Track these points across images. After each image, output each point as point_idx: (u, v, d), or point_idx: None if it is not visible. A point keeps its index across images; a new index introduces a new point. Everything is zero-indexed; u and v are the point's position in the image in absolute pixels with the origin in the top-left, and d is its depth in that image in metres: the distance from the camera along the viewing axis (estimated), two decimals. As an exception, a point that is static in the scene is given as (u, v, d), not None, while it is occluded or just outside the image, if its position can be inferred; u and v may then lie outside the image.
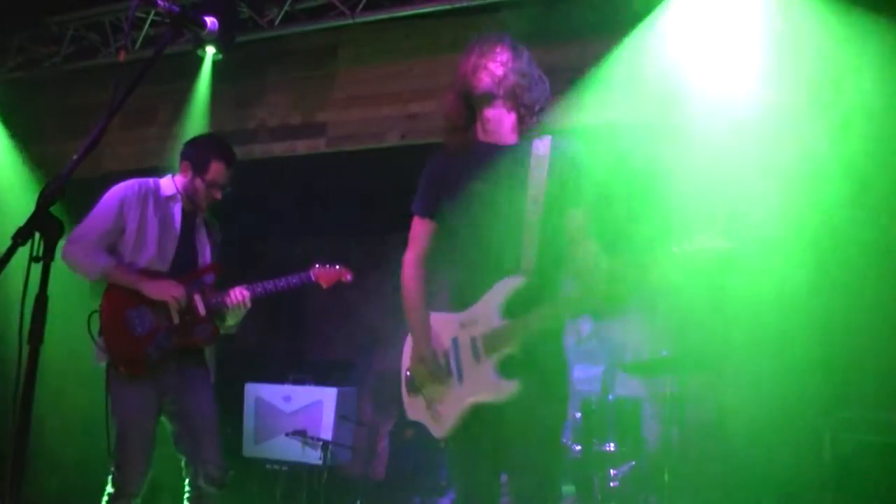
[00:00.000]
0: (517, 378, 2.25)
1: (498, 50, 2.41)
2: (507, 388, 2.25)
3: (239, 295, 3.32)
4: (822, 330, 4.38)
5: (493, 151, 2.43)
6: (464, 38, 4.63)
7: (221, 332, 3.41)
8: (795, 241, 3.89)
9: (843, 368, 4.83)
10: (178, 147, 3.49)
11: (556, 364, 2.41)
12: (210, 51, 4.96)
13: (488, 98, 2.40)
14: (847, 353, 4.70)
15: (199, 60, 5.09)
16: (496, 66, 2.38)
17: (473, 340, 2.34)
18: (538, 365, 2.30)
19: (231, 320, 3.40)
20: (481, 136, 2.47)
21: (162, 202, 3.32)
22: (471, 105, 2.45)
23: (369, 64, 5.03)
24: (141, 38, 5.29)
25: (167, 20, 2.18)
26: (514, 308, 2.29)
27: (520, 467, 2.34)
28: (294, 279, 3.52)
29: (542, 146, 2.40)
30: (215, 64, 5.11)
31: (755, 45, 4.03)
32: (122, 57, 5.26)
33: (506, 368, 2.28)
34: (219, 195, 3.39)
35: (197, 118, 5.17)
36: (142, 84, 2.14)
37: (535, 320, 2.24)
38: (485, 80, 2.38)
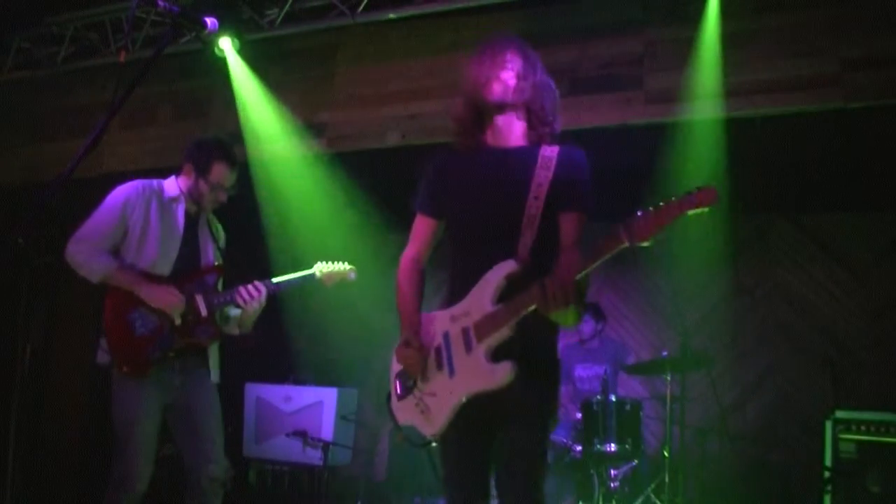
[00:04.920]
0: (510, 360, 2.22)
1: (509, 58, 2.41)
2: (501, 372, 2.22)
3: (254, 291, 3.32)
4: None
5: (500, 153, 2.44)
6: (464, 39, 4.70)
7: (241, 331, 3.43)
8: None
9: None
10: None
11: (546, 347, 2.40)
12: (226, 44, 4.92)
13: (499, 107, 2.41)
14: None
15: (222, 60, 5.02)
16: (508, 76, 2.39)
17: (465, 331, 2.31)
18: (530, 348, 2.28)
19: (248, 320, 3.41)
20: (490, 141, 2.48)
21: (165, 203, 3.32)
22: (478, 109, 2.45)
23: (369, 64, 5.03)
24: (141, 38, 5.29)
25: (167, 20, 2.18)
26: (508, 294, 2.26)
27: (513, 470, 2.32)
28: (298, 277, 3.53)
29: (549, 149, 2.41)
30: (222, 60, 5.05)
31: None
32: (122, 57, 5.26)
33: (497, 353, 2.26)
34: (224, 197, 3.39)
35: (264, 112, 5.10)
36: (142, 84, 2.14)
37: (525, 299, 2.19)
38: (497, 91, 2.38)
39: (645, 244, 2.01)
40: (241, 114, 5.08)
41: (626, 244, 2.03)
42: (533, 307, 2.16)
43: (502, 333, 2.24)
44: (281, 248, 5.64)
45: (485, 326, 2.27)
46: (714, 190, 1.95)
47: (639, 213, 2.02)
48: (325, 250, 3.84)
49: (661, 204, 2.00)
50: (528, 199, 2.33)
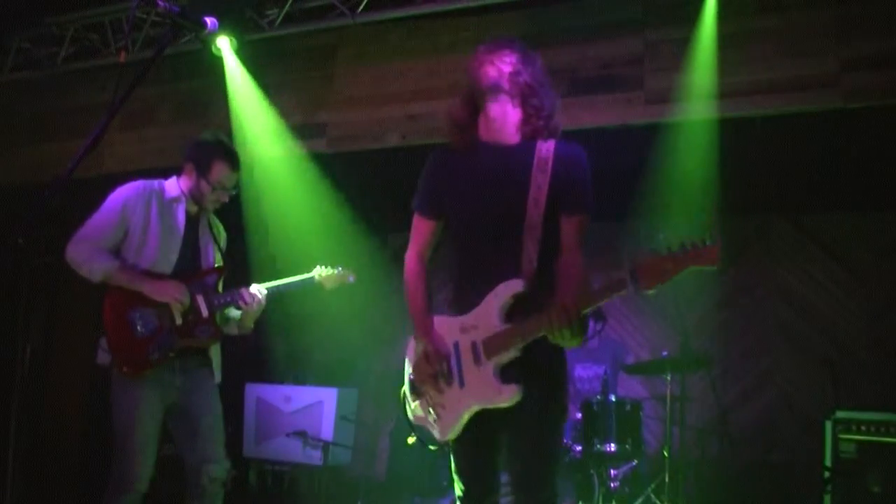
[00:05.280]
0: (518, 383, 2.25)
1: (507, 52, 2.41)
2: (509, 393, 2.25)
3: (255, 293, 3.34)
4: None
5: (495, 151, 2.42)
6: (463, 39, 4.69)
7: (241, 332, 3.45)
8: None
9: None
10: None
11: (556, 368, 2.41)
12: (224, 44, 4.91)
13: (493, 91, 2.38)
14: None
15: (222, 60, 5.01)
16: (504, 64, 2.39)
17: (474, 345, 2.33)
18: (539, 369, 2.30)
19: (248, 321, 3.43)
20: (484, 135, 2.45)
21: (166, 204, 3.32)
22: (475, 106, 2.44)
23: (369, 64, 5.02)
24: (141, 39, 5.29)
25: (167, 20, 2.18)
26: (515, 312, 2.29)
27: (520, 468, 2.35)
28: (297, 281, 3.54)
29: (545, 148, 2.39)
30: (222, 60, 5.04)
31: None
32: (122, 57, 5.26)
33: (507, 373, 2.28)
34: (226, 198, 3.39)
35: (256, 113, 5.06)
36: (142, 84, 2.14)
37: (534, 326, 2.22)
38: (491, 74, 2.37)
39: (649, 292, 2.10)
40: (238, 114, 5.08)
41: (631, 290, 2.09)
42: (540, 334, 2.21)
43: (510, 354, 2.27)
44: (280, 250, 5.64)
45: (493, 345, 2.29)
46: (717, 250, 2.04)
47: (645, 257, 2.08)
48: (325, 251, 3.86)
49: (668, 252, 2.07)
50: (528, 201, 2.33)
